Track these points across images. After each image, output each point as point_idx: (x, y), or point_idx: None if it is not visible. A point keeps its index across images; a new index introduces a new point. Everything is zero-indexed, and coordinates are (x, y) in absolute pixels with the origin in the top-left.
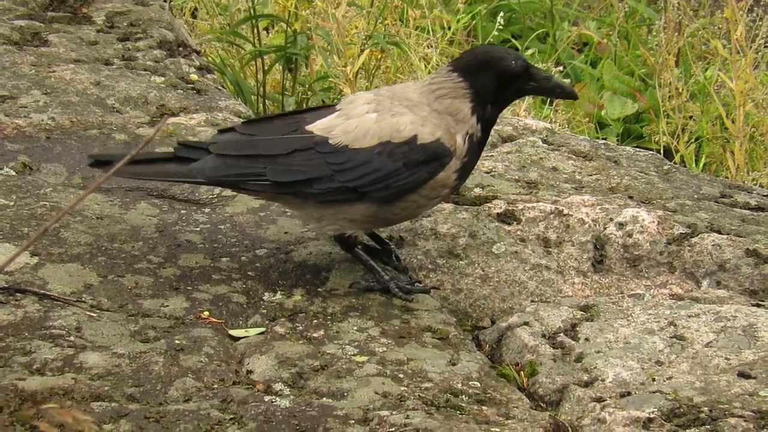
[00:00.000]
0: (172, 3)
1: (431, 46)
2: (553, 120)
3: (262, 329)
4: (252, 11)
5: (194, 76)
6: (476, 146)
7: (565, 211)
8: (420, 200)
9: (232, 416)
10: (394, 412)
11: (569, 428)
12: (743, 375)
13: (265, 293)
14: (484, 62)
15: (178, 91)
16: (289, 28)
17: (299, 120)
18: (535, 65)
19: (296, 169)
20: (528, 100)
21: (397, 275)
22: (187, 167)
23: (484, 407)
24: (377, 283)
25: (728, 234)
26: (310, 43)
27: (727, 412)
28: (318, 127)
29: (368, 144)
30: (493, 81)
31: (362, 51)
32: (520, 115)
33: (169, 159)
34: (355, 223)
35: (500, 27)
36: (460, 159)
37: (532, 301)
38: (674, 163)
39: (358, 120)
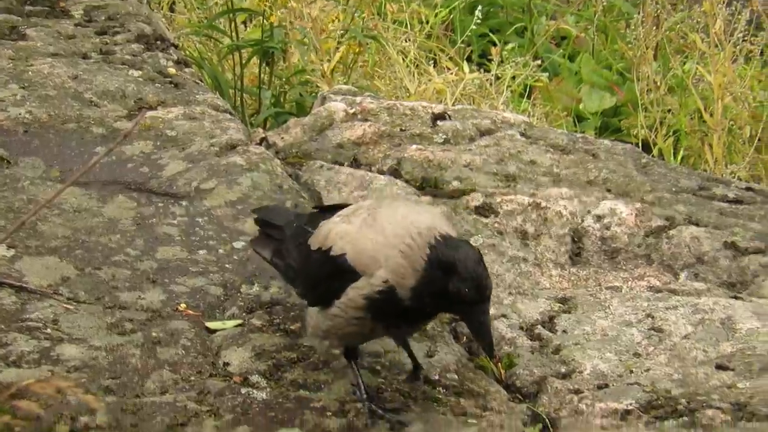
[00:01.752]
0: None
1: (409, 40)
2: (531, 113)
3: (239, 322)
4: (229, 5)
5: (172, 70)
6: (398, 303)
7: (543, 204)
8: (339, 312)
9: (208, 408)
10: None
11: (547, 420)
12: (721, 367)
13: (243, 286)
14: (447, 267)
15: (156, 84)
16: (265, 22)
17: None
18: (487, 309)
19: (291, 260)
20: (506, 93)
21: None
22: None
23: (461, 399)
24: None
25: (706, 226)
26: (287, 38)
27: (704, 404)
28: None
29: (314, 247)
30: (439, 289)
31: (339, 46)
32: (498, 108)
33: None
34: (330, 335)
35: (478, 21)
36: (370, 286)
37: (510, 293)
38: (652, 156)
39: (327, 223)
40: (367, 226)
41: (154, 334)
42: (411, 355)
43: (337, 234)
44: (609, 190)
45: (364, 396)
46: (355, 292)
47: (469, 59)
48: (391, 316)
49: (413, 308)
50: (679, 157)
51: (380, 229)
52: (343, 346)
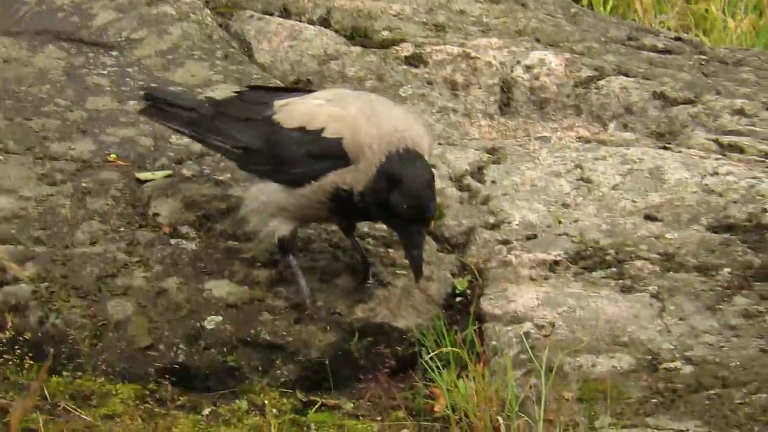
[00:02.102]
0: None
1: None
2: None
3: (169, 172)
4: None
5: None
6: (354, 203)
7: (473, 54)
8: (308, 193)
9: (138, 259)
10: (300, 254)
11: (476, 271)
12: (649, 217)
13: (172, 136)
14: (393, 180)
15: None
16: None
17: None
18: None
19: (244, 136)
20: None
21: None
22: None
23: (390, 250)
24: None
25: (635, 77)
26: None
27: (633, 255)
28: (280, 104)
29: (290, 125)
30: (381, 200)
31: None
32: None
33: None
34: (285, 212)
35: None
36: (349, 182)
37: (439, 143)
38: (581, 5)
39: (304, 103)
40: (365, 117)
41: (84, 184)
42: (361, 254)
43: (330, 116)
44: (538, 40)
45: (306, 297)
46: (336, 178)
47: None
48: (348, 211)
49: (365, 210)
50: (609, 7)
51: (376, 123)
52: (291, 226)
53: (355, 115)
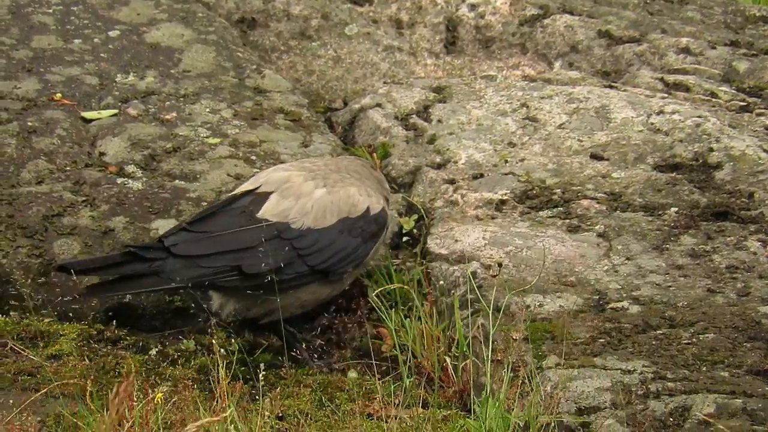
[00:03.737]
0: None
1: None
2: None
3: (115, 111)
4: None
5: None
6: None
7: None
8: (356, 272)
9: (84, 198)
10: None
11: (422, 210)
12: (596, 157)
13: (118, 75)
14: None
15: None
16: None
17: (244, 209)
18: None
19: (266, 259)
20: None
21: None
22: (158, 274)
23: None
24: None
25: (580, 15)
26: None
27: (579, 194)
28: (269, 213)
29: (329, 223)
30: None
31: None
32: None
33: (125, 262)
34: (305, 307)
35: None
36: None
37: (385, 82)
38: None
39: (310, 198)
40: (359, 185)
41: (30, 123)
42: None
43: (359, 194)
44: None
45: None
46: (381, 245)
47: None
48: None
49: None
50: None
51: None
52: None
53: (353, 186)
